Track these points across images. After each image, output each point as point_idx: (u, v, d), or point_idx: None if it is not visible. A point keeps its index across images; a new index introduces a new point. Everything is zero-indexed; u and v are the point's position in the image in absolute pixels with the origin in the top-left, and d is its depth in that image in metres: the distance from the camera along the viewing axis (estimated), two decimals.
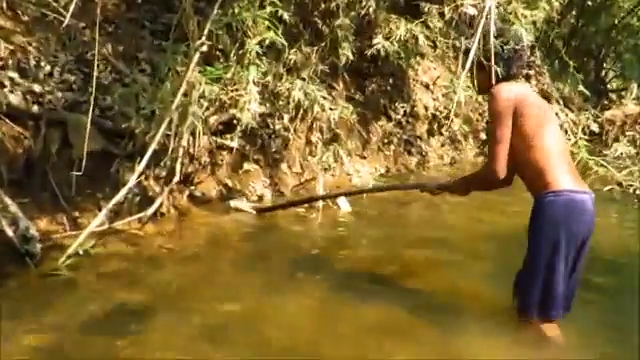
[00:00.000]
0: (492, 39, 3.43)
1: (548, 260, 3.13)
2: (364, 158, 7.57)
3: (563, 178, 3.16)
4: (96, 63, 4.29)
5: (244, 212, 5.54)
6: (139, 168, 4.58)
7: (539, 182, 3.16)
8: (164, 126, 4.68)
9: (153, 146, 4.60)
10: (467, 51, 3.64)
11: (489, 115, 3.30)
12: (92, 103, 4.03)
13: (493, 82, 3.33)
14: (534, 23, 8.49)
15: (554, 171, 3.16)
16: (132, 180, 4.55)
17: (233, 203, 5.62)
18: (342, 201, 5.85)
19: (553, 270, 3.13)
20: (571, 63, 10.08)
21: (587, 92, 10.61)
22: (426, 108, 8.70)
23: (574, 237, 3.12)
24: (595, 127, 10.05)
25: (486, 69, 3.35)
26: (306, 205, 5.75)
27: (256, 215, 5.51)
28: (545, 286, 3.16)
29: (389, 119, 8.17)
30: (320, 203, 5.75)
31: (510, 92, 3.23)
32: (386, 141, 7.96)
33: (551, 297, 3.17)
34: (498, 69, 3.33)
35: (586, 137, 9.50)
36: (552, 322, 3.23)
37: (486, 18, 3.83)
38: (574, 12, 13.15)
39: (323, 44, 6.85)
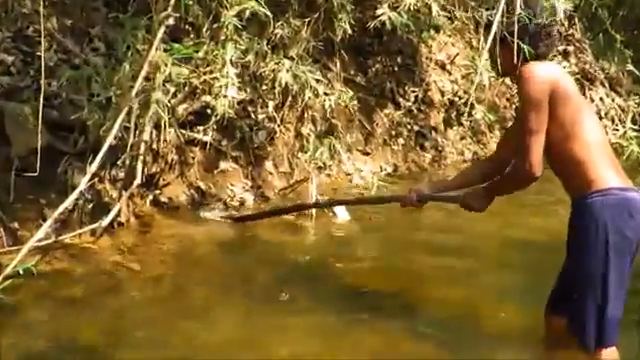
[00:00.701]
0: (518, 9, 3.45)
1: (601, 275, 3.16)
2: (367, 154, 7.59)
3: (608, 174, 3.21)
4: (42, 41, 4.28)
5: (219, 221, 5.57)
6: (92, 168, 4.57)
7: (581, 179, 3.21)
8: (122, 117, 4.68)
9: (109, 141, 4.60)
10: (491, 24, 3.66)
11: (520, 100, 3.34)
12: (37, 89, 4.04)
13: (516, 62, 3.35)
14: None
15: (598, 166, 3.21)
16: (83, 183, 4.55)
17: (203, 214, 5.65)
18: (338, 209, 5.87)
19: (607, 286, 3.17)
20: (618, 37, 10.13)
21: (638, 72, 10.63)
22: (442, 93, 8.71)
23: (629, 244, 3.17)
24: None
25: (510, 46, 3.37)
26: (295, 214, 5.77)
27: (234, 224, 5.52)
28: (601, 307, 3.19)
29: (397, 106, 8.17)
30: (312, 209, 5.76)
31: (546, 72, 3.26)
32: (394, 133, 7.97)
33: (607, 319, 3.20)
34: (524, 47, 3.35)
35: (637, 127, 9.57)
36: (609, 348, 3.27)
37: None
38: None
39: (316, 15, 6.86)
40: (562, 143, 3.23)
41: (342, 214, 5.89)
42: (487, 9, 3.50)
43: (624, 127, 9.77)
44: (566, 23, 10.20)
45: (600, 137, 3.32)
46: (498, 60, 3.51)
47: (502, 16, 3.50)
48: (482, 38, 3.53)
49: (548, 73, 3.27)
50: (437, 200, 4.03)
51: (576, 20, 10.44)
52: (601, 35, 11.76)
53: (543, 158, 3.28)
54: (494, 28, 3.42)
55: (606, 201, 3.15)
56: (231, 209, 5.84)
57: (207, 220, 5.61)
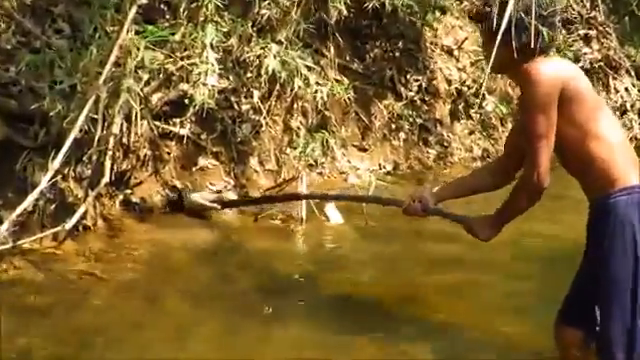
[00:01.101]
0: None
1: (631, 280, 3.18)
2: (364, 150, 7.60)
3: (631, 172, 3.24)
4: None
5: (204, 213, 5.66)
6: (54, 165, 4.59)
7: (602, 178, 3.23)
8: (88, 107, 4.69)
9: (73, 135, 4.61)
10: (503, 4, 3.62)
11: (525, 102, 3.32)
12: None
13: (516, 57, 3.32)
14: None
15: (620, 164, 3.23)
16: (44, 181, 4.56)
17: (193, 197, 5.72)
18: (331, 211, 5.88)
19: (637, 292, 3.19)
20: None
21: None
22: (449, 82, 8.73)
23: None
24: None
25: (510, 40, 3.34)
26: (283, 215, 5.78)
27: (228, 224, 5.63)
28: (631, 317, 3.20)
29: (398, 97, 8.19)
30: (303, 211, 5.78)
31: (555, 71, 3.27)
32: (394, 127, 7.99)
33: (638, 330, 3.20)
34: (544, 32, 3.34)
35: None
36: None
37: None
38: None
39: None
40: (579, 142, 3.25)
41: (335, 217, 5.91)
42: None
43: None
44: (588, 4, 10.24)
45: (619, 134, 3.36)
46: (493, 54, 3.46)
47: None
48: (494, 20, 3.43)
49: (558, 72, 3.27)
50: (443, 216, 4.04)
51: (599, 1, 10.46)
52: (627, 18, 11.81)
53: (557, 159, 3.31)
54: (510, 6, 3.38)
55: (631, 200, 3.17)
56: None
57: (194, 205, 5.65)
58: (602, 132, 3.25)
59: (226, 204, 5.71)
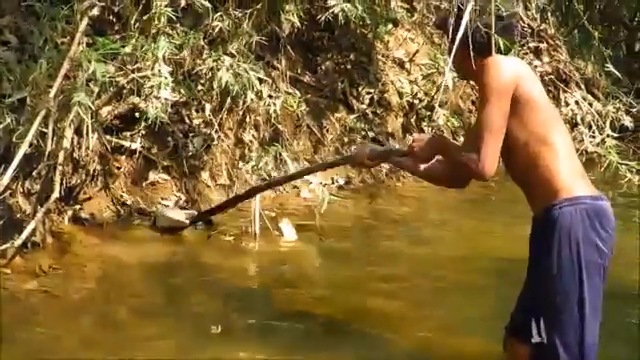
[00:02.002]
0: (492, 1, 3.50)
1: (577, 294, 3.24)
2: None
3: (577, 182, 3.28)
4: None
5: (173, 227, 5.71)
6: (4, 181, 4.57)
7: (548, 187, 3.26)
8: (38, 121, 4.68)
9: (23, 150, 4.59)
10: (458, 17, 3.68)
11: (479, 93, 3.38)
12: None
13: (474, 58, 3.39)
14: None
15: (566, 173, 3.27)
16: None
17: (165, 213, 5.80)
18: (286, 227, 5.93)
19: (584, 306, 3.24)
20: (595, 33, 10.35)
21: (617, 72, 10.88)
22: (400, 95, 8.83)
23: (602, 258, 3.25)
24: (628, 121, 10.32)
25: (466, 44, 3.41)
26: (237, 230, 5.82)
27: (180, 235, 5.67)
28: (579, 332, 3.25)
29: (350, 110, 8.27)
30: (256, 227, 5.82)
31: (512, 67, 3.34)
32: (346, 140, 8.05)
33: (587, 345, 3.24)
34: (501, 40, 3.41)
35: (616, 134, 9.80)
36: None
37: None
38: None
39: (259, 6, 6.91)
40: (526, 147, 3.28)
41: (289, 233, 5.95)
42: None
43: (602, 134, 9.97)
44: (538, 17, 10.43)
45: (568, 143, 3.39)
46: (452, 57, 3.53)
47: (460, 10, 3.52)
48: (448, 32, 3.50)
49: (513, 67, 3.34)
50: (388, 157, 4.01)
51: (549, 14, 10.66)
52: (576, 31, 12.04)
53: (501, 162, 3.33)
54: (465, 19, 3.45)
55: (577, 211, 3.21)
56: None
57: (165, 222, 5.73)
58: (550, 139, 3.27)
59: (195, 219, 5.77)
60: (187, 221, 5.75)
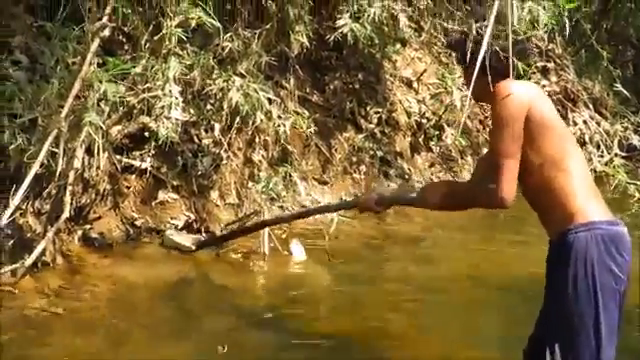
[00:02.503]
0: (510, 23, 3.51)
1: (593, 318, 3.24)
2: (325, 184, 7.66)
3: (593, 207, 3.28)
4: None
5: (180, 250, 5.71)
6: (14, 201, 4.58)
7: (563, 212, 3.26)
8: (49, 141, 4.70)
9: (34, 169, 4.61)
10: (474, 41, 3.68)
11: (492, 118, 3.40)
12: None
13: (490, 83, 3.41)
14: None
15: (582, 198, 3.27)
16: (4, 217, 4.55)
17: (172, 236, 5.80)
18: (295, 247, 5.94)
19: (600, 331, 3.24)
20: (603, 53, 10.38)
21: (625, 92, 10.89)
22: (408, 114, 8.85)
23: (617, 283, 3.24)
24: (636, 140, 10.34)
25: (487, 69, 3.43)
26: (245, 250, 5.85)
27: (190, 258, 5.67)
28: (597, 356, 3.24)
29: (358, 129, 8.29)
30: (265, 247, 5.83)
31: (524, 91, 3.35)
32: (355, 160, 8.07)
33: None
34: (518, 64, 3.43)
35: (624, 153, 9.82)
36: None
37: None
38: None
39: (268, 26, 6.95)
40: (541, 171, 3.29)
41: (298, 254, 5.95)
42: (476, 21, 3.56)
43: (610, 154, 9.98)
44: (546, 37, 10.46)
45: (583, 166, 3.40)
46: (471, 83, 3.56)
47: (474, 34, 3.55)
48: (454, 55, 3.53)
49: (525, 91, 3.35)
50: (397, 203, 4.06)
51: (556, 34, 10.68)
52: (584, 51, 12.05)
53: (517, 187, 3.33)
54: (484, 44, 3.46)
55: (591, 236, 3.20)
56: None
57: (171, 245, 5.74)
58: (565, 162, 3.29)
59: (202, 244, 5.77)
60: (193, 247, 5.75)
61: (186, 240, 5.77)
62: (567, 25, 8.87)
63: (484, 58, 3.32)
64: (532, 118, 3.26)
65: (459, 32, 3.70)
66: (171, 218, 6.06)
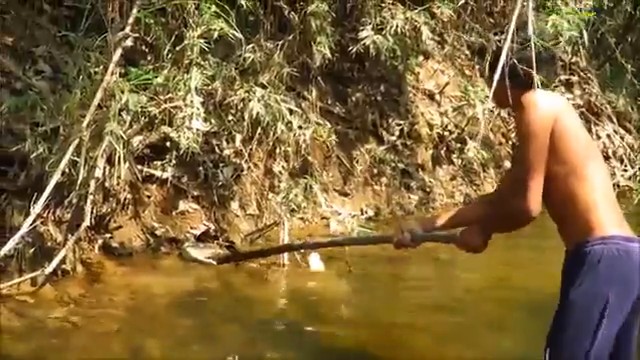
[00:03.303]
0: (531, 33, 3.51)
1: (592, 331, 3.23)
2: (346, 195, 7.67)
3: (612, 221, 3.27)
4: None
5: (199, 264, 5.70)
6: (35, 209, 4.61)
7: (582, 224, 3.26)
8: (71, 150, 4.72)
9: (55, 178, 4.64)
10: (481, 50, 3.72)
11: (518, 131, 3.40)
12: None
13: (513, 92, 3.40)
14: (578, 12, 8.72)
15: (602, 211, 3.27)
16: (25, 225, 4.57)
17: (190, 251, 5.77)
18: (313, 258, 5.92)
19: (591, 349, 3.21)
20: (628, 66, 10.33)
21: None
22: (430, 126, 8.84)
23: (631, 298, 3.24)
24: None
25: (514, 79, 3.43)
26: (264, 260, 5.84)
27: (210, 267, 5.67)
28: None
29: (380, 141, 8.29)
30: (285, 257, 5.83)
31: (550, 103, 3.34)
32: (376, 172, 8.07)
33: None
34: (536, 76, 3.41)
35: None
36: None
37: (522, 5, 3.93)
38: None
39: (290, 38, 6.97)
40: (564, 181, 3.28)
41: (316, 264, 5.93)
42: (495, 33, 3.57)
43: (634, 168, 9.94)
44: (569, 50, 10.42)
45: (605, 179, 3.40)
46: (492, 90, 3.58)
47: (500, 42, 3.55)
48: (480, 65, 3.53)
49: (551, 103, 3.34)
50: (433, 240, 4.08)
51: (580, 47, 10.65)
52: (608, 64, 12.01)
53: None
54: (503, 56, 3.47)
55: (608, 250, 3.20)
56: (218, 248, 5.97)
57: (191, 259, 5.73)
58: (588, 174, 3.28)
59: (222, 260, 5.77)
60: (214, 262, 5.76)
61: (205, 254, 5.77)
62: (585, 37, 8.76)
63: (503, 67, 3.33)
64: (557, 129, 3.25)
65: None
66: (191, 228, 6.06)
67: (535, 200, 3.25)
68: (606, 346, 3.25)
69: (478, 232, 3.64)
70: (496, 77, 3.29)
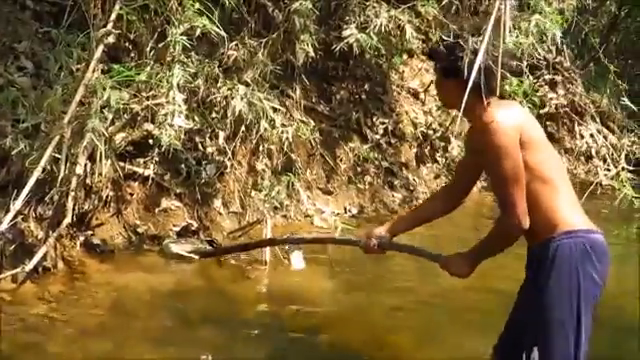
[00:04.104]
0: (507, 34, 3.54)
1: (575, 321, 3.31)
2: (329, 193, 7.67)
3: (575, 216, 3.40)
4: None
5: (181, 259, 5.70)
6: (15, 205, 4.59)
7: (547, 221, 3.37)
8: (52, 147, 4.70)
9: (36, 175, 4.62)
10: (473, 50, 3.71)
11: (491, 152, 3.40)
12: None
13: (465, 97, 3.40)
14: (562, 12, 8.75)
15: (565, 208, 3.40)
16: (5, 222, 4.55)
17: (172, 247, 5.78)
18: (296, 257, 5.91)
19: (580, 333, 3.31)
20: (611, 67, 10.36)
21: (632, 106, 10.87)
22: (415, 125, 8.86)
23: (596, 290, 3.35)
24: None
25: (457, 80, 3.43)
26: (246, 258, 5.85)
27: (191, 265, 5.68)
28: (574, 356, 3.32)
29: (364, 139, 8.29)
30: (267, 255, 5.82)
31: (513, 118, 3.42)
32: (360, 170, 8.07)
33: None
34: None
35: (631, 167, 9.78)
36: None
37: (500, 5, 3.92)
38: None
39: (274, 35, 6.96)
40: (529, 186, 3.36)
41: (298, 263, 5.92)
42: (473, 35, 3.58)
43: (617, 167, 9.96)
44: (554, 50, 10.46)
45: (564, 177, 3.53)
46: (441, 92, 3.66)
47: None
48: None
49: (515, 118, 3.42)
50: (404, 251, 4.14)
51: (565, 47, 10.68)
52: (592, 64, 12.05)
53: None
54: (480, 55, 3.47)
55: (575, 244, 3.31)
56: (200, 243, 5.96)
57: (173, 254, 5.72)
58: (548, 174, 3.41)
59: (204, 254, 5.77)
60: (195, 256, 5.76)
61: (186, 249, 5.76)
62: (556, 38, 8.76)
63: (459, 71, 3.37)
64: (523, 142, 3.36)
65: (436, 42, 3.73)
66: (173, 225, 6.06)
67: (523, 213, 3.34)
68: (588, 334, 3.36)
69: (467, 263, 3.70)
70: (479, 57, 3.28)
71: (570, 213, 3.38)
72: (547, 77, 10.53)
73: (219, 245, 6.02)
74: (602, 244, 3.36)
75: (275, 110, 6.49)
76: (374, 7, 7.52)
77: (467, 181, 3.89)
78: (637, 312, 5.16)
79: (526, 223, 3.35)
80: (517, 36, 7.46)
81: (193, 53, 6.00)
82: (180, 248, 5.77)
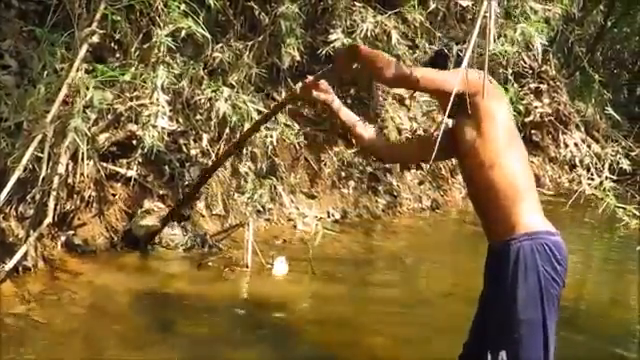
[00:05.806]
0: (491, 40, 3.56)
1: (541, 323, 3.30)
2: (312, 198, 7.68)
3: (535, 218, 3.38)
4: None
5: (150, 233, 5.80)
6: None
7: (507, 222, 3.34)
8: (34, 146, 4.69)
9: (18, 173, 4.60)
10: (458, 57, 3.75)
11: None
12: None
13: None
14: (548, 21, 8.78)
15: (524, 208, 3.36)
16: None
17: (139, 222, 5.87)
18: (278, 263, 5.91)
19: (547, 334, 3.30)
20: (596, 76, 10.43)
21: (617, 116, 10.94)
22: (399, 131, 8.86)
23: (557, 291, 3.33)
24: (626, 164, 10.34)
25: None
26: (227, 261, 5.88)
27: (173, 267, 5.72)
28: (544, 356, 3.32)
29: (348, 144, 8.30)
30: (248, 258, 5.82)
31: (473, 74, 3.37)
32: (344, 175, 8.09)
33: None
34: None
35: (614, 177, 9.82)
36: None
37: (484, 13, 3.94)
38: (601, 7, 13.61)
39: (260, 38, 6.97)
40: (490, 169, 3.34)
41: (280, 269, 5.92)
42: (457, 43, 3.61)
43: (600, 176, 9.97)
44: (539, 58, 10.50)
45: (529, 175, 3.48)
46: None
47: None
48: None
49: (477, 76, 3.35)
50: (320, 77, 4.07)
51: (550, 55, 10.73)
52: (578, 73, 12.11)
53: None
54: (465, 62, 3.49)
55: (536, 245, 3.30)
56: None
57: (141, 230, 5.85)
58: (512, 166, 3.38)
59: (166, 219, 5.87)
60: (159, 224, 5.81)
61: (152, 220, 5.78)
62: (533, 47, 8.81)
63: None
64: (489, 106, 3.34)
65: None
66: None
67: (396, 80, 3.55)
68: (553, 335, 3.35)
69: (352, 55, 3.71)
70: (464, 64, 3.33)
71: (531, 214, 3.36)
72: (532, 85, 10.58)
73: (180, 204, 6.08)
74: (561, 245, 3.36)
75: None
76: (360, 12, 7.53)
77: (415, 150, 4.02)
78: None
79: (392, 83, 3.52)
80: (503, 44, 7.51)
81: (178, 54, 6.00)
82: (147, 221, 5.81)
